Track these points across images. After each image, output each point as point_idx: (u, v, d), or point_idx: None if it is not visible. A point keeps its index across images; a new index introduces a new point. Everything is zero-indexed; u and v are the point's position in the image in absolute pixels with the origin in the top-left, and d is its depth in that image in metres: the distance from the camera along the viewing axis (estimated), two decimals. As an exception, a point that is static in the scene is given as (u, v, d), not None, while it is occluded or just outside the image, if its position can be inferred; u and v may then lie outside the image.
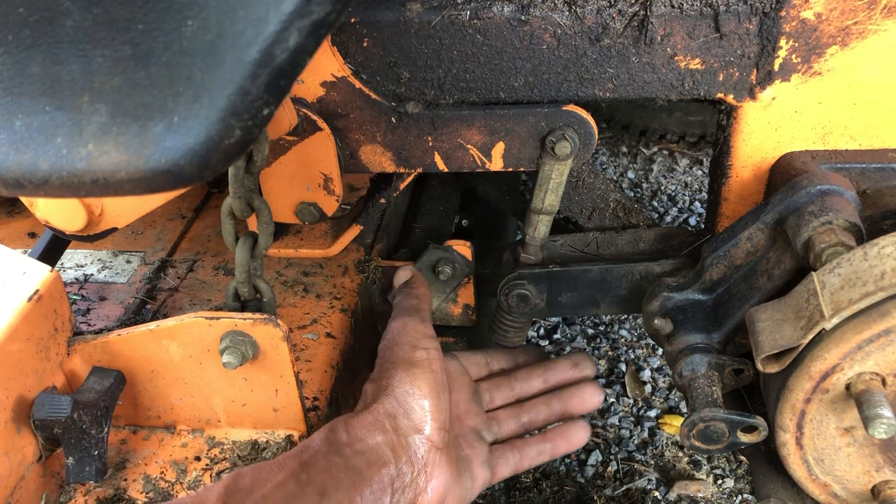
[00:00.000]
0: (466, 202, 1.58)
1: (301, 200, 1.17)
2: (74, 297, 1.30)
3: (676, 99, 1.02)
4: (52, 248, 1.25)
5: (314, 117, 1.06)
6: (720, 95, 1.01)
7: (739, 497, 1.72)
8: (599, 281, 1.16)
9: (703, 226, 1.21)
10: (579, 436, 1.17)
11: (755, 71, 0.98)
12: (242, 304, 1.04)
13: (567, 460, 1.80)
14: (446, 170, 1.11)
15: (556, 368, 1.22)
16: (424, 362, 1.00)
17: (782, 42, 0.95)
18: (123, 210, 1.04)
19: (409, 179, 1.19)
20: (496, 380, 1.21)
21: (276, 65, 0.57)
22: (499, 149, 1.08)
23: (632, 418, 1.90)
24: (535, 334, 2.11)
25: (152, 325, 1.00)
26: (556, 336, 2.10)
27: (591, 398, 1.19)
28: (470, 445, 1.09)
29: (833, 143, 1.04)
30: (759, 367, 0.90)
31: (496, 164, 1.10)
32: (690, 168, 2.71)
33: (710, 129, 2.64)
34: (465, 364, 1.19)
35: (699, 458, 1.80)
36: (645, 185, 2.65)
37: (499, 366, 1.23)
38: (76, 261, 1.39)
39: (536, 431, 1.20)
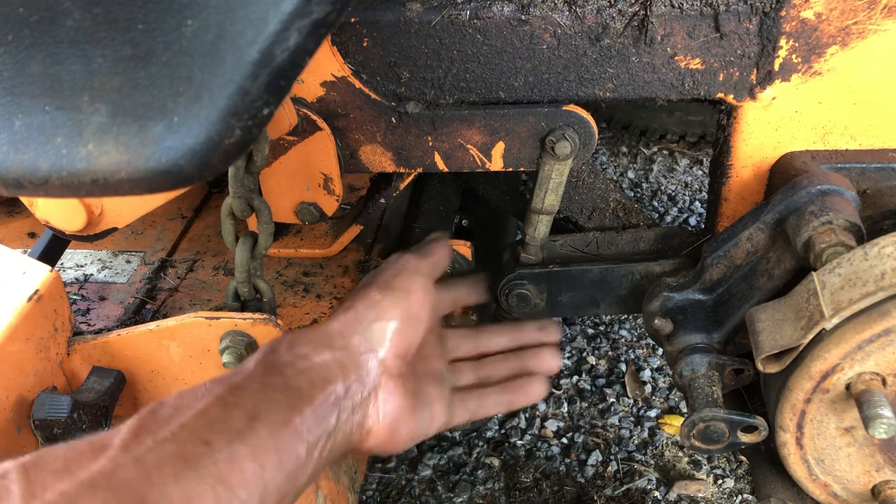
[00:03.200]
0: (466, 202, 1.58)
1: (301, 200, 1.17)
2: (74, 297, 1.30)
3: (676, 99, 1.02)
4: (52, 248, 1.25)
5: (314, 117, 1.06)
6: (720, 95, 1.01)
7: (739, 497, 1.72)
8: (599, 281, 1.16)
9: (703, 226, 1.21)
10: (536, 390, 1.10)
11: (755, 71, 0.98)
12: (242, 304, 1.04)
13: (567, 460, 1.80)
14: (446, 170, 1.11)
15: (523, 330, 1.18)
16: (401, 289, 0.94)
17: (782, 42, 0.95)
18: (123, 210, 1.04)
19: (409, 179, 1.19)
20: (463, 331, 1.15)
21: (276, 65, 0.57)
22: (499, 149, 1.08)
23: (632, 418, 1.90)
24: (535, 334, 2.10)
25: (152, 325, 1.00)
26: (556, 336, 2.10)
27: (548, 360, 1.13)
28: (431, 385, 1.03)
29: (833, 142, 1.04)
30: (760, 367, 0.90)
31: (496, 164, 1.10)
32: (690, 168, 2.70)
33: (710, 129, 2.64)
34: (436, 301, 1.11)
35: (699, 458, 1.80)
36: (645, 185, 2.65)
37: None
38: (76, 261, 1.39)
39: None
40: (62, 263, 1.38)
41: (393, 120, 1.07)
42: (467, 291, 1.18)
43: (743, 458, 1.77)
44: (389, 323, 0.91)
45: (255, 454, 0.71)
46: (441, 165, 1.11)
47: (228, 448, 0.69)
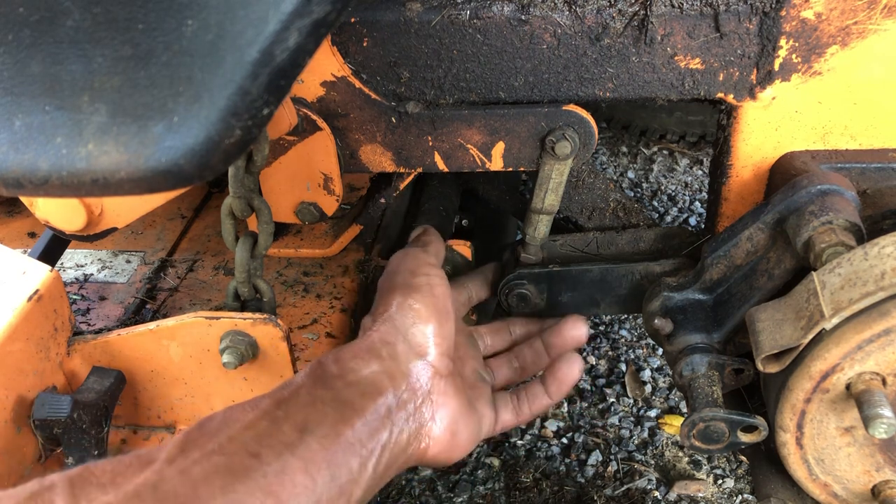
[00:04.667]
0: (466, 202, 1.58)
1: (301, 200, 1.17)
2: (74, 297, 1.30)
3: (676, 99, 1.02)
4: (52, 248, 1.25)
5: (314, 117, 1.06)
6: (720, 95, 1.01)
7: (739, 497, 1.72)
8: (599, 281, 1.16)
9: (703, 226, 1.21)
10: (574, 365, 1.06)
11: (755, 71, 0.98)
12: (242, 304, 1.04)
13: (567, 460, 1.80)
14: (446, 170, 1.11)
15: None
16: (425, 287, 0.93)
17: (782, 42, 0.95)
18: (123, 210, 1.04)
19: (409, 179, 1.19)
20: (490, 326, 1.14)
21: (276, 64, 0.57)
22: (499, 148, 1.08)
23: (632, 418, 1.90)
24: (535, 334, 2.10)
25: (152, 325, 1.00)
26: (556, 336, 2.10)
27: (574, 331, 1.11)
28: (473, 386, 1.01)
29: (833, 142, 1.04)
30: (760, 367, 0.90)
31: (496, 163, 1.10)
32: (690, 168, 2.71)
33: (710, 129, 2.64)
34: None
35: (699, 457, 1.80)
36: (645, 185, 2.65)
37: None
38: (76, 261, 1.39)
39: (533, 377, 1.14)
40: (62, 263, 1.38)
41: (393, 120, 1.07)
42: (479, 287, 1.17)
43: (743, 458, 1.77)
44: (427, 324, 0.90)
45: (307, 467, 0.69)
46: (441, 165, 1.11)
47: (278, 461, 0.67)
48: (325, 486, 0.70)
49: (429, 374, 0.87)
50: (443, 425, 0.87)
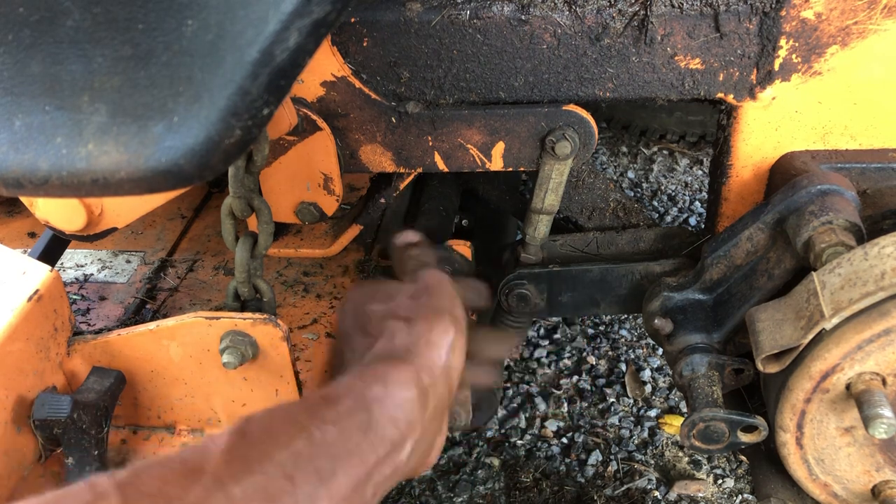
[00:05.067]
0: (466, 202, 1.58)
1: (301, 200, 1.17)
2: (74, 297, 1.29)
3: (676, 99, 1.02)
4: (52, 248, 1.25)
5: (314, 117, 1.06)
6: (720, 95, 1.01)
7: (739, 497, 1.72)
8: (599, 281, 1.16)
9: (703, 226, 1.21)
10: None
11: (755, 71, 0.98)
12: (242, 304, 1.04)
13: (567, 460, 1.80)
14: (446, 170, 1.11)
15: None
16: (460, 323, 0.93)
17: (782, 42, 0.95)
18: (123, 210, 1.04)
19: (409, 179, 1.19)
20: None
21: (276, 65, 0.57)
22: (499, 148, 1.08)
23: (632, 418, 1.90)
24: (535, 334, 2.11)
25: (152, 325, 1.00)
26: (556, 336, 2.10)
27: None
28: None
29: (833, 142, 1.04)
30: (760, 367, 0.90)
31: (496, 163, 1.10)
32: (690, 168, 2.71)
33: (710, 129, 2.64)
34: None
35: (699, 457, 1.80)
36: (645, 185, 2.65)
37: None
38: (76, 261, 1.39)
39: None
40: (62, 263, 1.38)
41: (393, 120, 1.07)
42: (474, 297, 1.17)
43: (743, 457, 1.77)
44: (459, 362, 0.91)
45: (331, 495, 0.72)
46: (441, 165, 1.11)
47: (309, 488, 0.70)
48: None
49: (443, 405, 0.90)
50: (433, 451, 0.91)
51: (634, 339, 2.11)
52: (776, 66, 0.97)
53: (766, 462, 1.04)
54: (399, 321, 0.91)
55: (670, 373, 1.39)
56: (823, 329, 0.84)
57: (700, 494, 1.72)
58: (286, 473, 0.70)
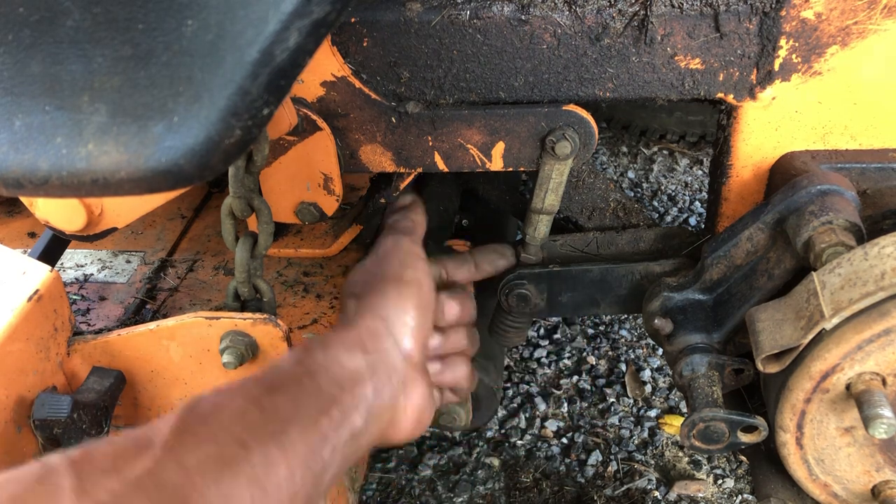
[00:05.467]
0: (466, 202, 1.58)
1: (301, 200, 1.17)
2: (74, 297, 1.30)
3: (676, 99, 1.02)
4: (52, 248, 1.25)
5: (314, 117, 1.06)
6: (720, 95, 1.01)
7: (739, 497, 1.72)
8: (599, 281, 1.16)
9: (703, 226, 1.21)
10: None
11: (755, 71, 0.98)
12: (242, 304, 1.04)
13: (567, 460, 1.80)
14: (446, 170, 1.11)
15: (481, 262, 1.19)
16: (415, 282, 0.96)
17: (782, 42, 0.95)
18: (123, 210, 1.04)
19: (409, 179, 1.19)
20: (460, 258, 1.18)
21: (276, 65, 0.57)
22: (499, 149, 1.08)
23: (632, 418, 1.90)
24: (535, 334, 2.11)
25: (152, 325, 1.00)
26: (556, 336, 2.10)
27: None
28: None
29: (833, 142, 1.04)
30: (760, 367, 0.90)
31: (496, 163, 1.10)
32: (690, 168, 2.71)
33: (710, 129, 2.64)
34: None
35: (699, 458, 1.80)
36: (645, 185, 2.65)
37: (454, 277, 1.19)
38: (76, 261, 1.39)
39: None
40: (62, 263, 1.38)
41: (393, 120, 1.07)
42: (456, 268, 1.18)
43: (743, 458, 1.77)
44: (412, 319, 0.93)
45: (287, 458, 0.72)
46: (441, 165, 1.11)
47: (263, 451, 0.70)
48: (301, 474, 0.73)
49: (406, 366, 0.91)
50: (411, 412, 0.91)
51: (634, 339, 2.11)
52: (776, 66, 0.97)
53: (766, 462, 1.04)
54: (353, 295, 0.95)
55: (670, 373, 1.39)
56: (823, 329, 0.84)
57: (700, 494, 1.72)
58: (239, 440, 0.70)
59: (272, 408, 0.75)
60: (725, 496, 1.73)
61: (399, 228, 1.09)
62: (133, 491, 0.61)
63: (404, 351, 0.92)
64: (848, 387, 0.87)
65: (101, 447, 0.65)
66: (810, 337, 0.84)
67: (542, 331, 2.11)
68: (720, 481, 1.75)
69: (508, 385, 1.99)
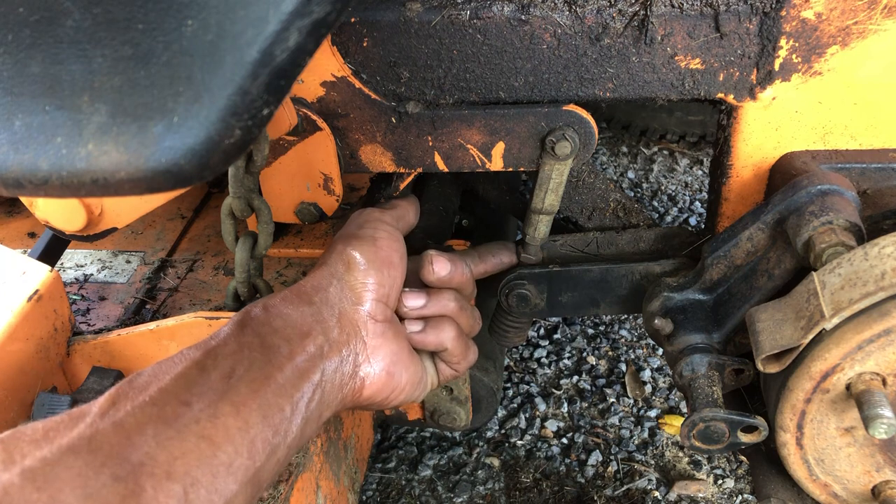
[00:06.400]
0: (466, 202, 1.58)
1: (301, 200, 1.17)
2: (74, 297, 1.30)
3: (677, 99, 1.02)
4: (52, 248, 1.25)
5: (314, 117, 1.06)
6: (720, 95, 1.01)
7: (740, 497, 1.72)
8: (599, 281, 1.16)
9: (703, 226, 1.21)
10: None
11: (755, 71, 0.98)
12: (242, 304, 1.04)
13: (567, 460, 1.80)
14: (446, 170, 1.11)
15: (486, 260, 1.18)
16: (368, 238, 0.96)
17: (783, 42, 0.95)
18: (123, 210, 1.04)
19: (409, 179, 1.19)
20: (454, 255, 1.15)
21: (276, 65, 0.57)
22: (499, 149, 1.08)
23: (632, 418, 1.90)
24: (535, 334, 2.11)
25: (152, 325, 1.00)
26: (556, 336, 2.10)
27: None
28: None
29: (833, 142, 1.04)
30: (760, 367, 0.90)
31: (496, 163, 1.10)
32: (690, 168, 2.71)
33: (710, 129, 2.64)
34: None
35: (699, 458, 1.80)
36: (645, 185, 2.65)
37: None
38: (76, 261, 1.39)
39: None
40: (62, 263, 1.38)
41: (393, 120, 1.07)
42: (501, 257, 1.17)
43: (743, 458, 1.77)
44: (364, 271, 0.92)
45: (238, 411, 0.71)
46: (441, 165, 1.11)
47: (209, 407, 0.70)
48: (258, 427, 0.73)
49: (361, 317, 0.90)
50: (379, 367, 0.90)
51: (634, 339, 2.11)
52: (776, 67, 0.97)
53: (766, 462, 1.04)
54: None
55: (670, 373, 1.39)
56: (823, 329, 0.84)
57: (700, 495, 1.72)
58: (181, 399, 0.70)
59: (214, 366, 0.75)
60: (725, 496, 1.73)
61: (376, 206, 1.09)
62: (65, 455, 0.61)
63: (360, 305, 0.90)
64: (848, 387, 0.87)
65: (32, 425, 0.65)
66: (810, 337, 0.84)
67: (542, 331, 2.11)
68: (720, 481, 1.75)
69: (508, 385, 1.99)
